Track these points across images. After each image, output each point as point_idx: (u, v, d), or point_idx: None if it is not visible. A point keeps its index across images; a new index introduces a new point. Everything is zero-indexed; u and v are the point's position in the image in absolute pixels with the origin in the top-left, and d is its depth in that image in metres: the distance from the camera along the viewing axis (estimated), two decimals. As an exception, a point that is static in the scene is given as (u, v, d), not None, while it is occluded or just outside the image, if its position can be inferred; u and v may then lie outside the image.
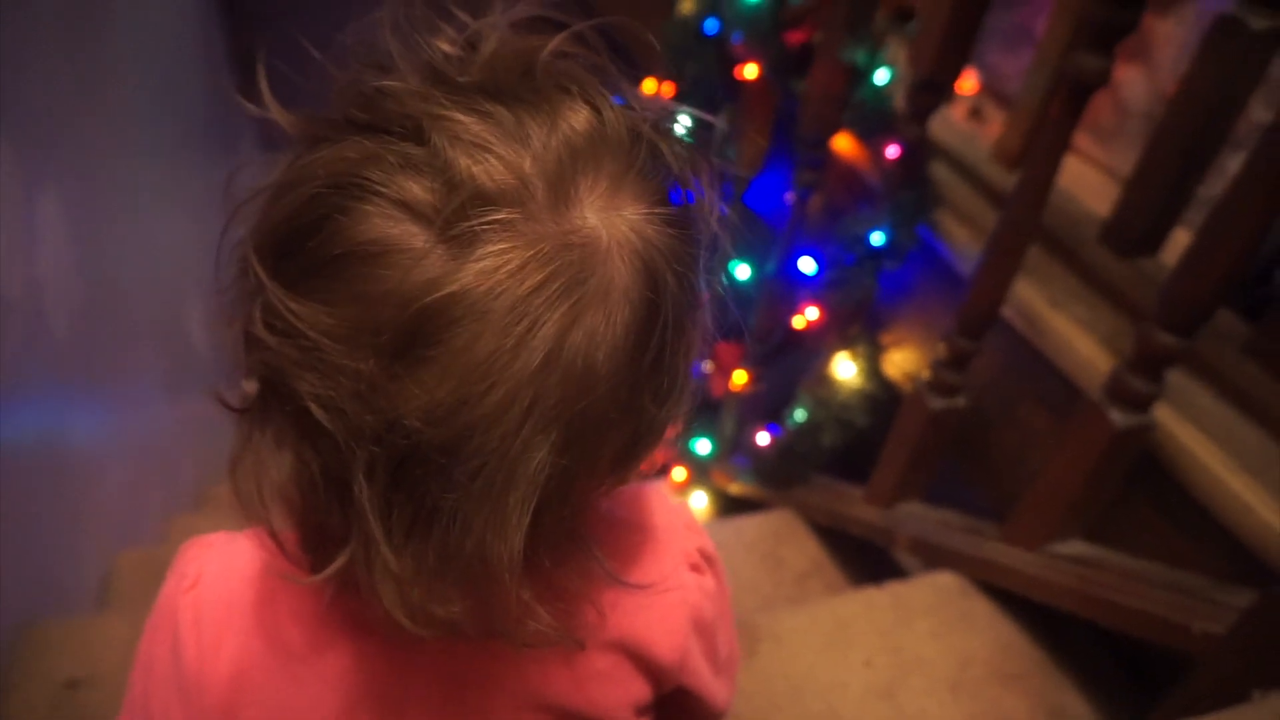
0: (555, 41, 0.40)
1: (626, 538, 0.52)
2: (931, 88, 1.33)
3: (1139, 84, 1.54)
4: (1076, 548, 1.14)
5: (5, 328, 1.15)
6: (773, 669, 1.13)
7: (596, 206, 0.37)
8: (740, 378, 1.78)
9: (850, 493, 1.55)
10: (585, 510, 0.42)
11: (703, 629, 0.54)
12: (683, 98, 1.85)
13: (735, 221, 0.44)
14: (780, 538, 1.63)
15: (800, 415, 1.61)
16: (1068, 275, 1.28)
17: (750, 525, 1.66)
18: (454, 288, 0.34)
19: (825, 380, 1.59)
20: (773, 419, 1.70)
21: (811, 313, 1.58)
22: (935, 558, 1.32)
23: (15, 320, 1.18)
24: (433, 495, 0.37)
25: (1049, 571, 1.13)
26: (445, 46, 0.40)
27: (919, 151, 1.41)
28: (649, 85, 1.92)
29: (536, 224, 0.36)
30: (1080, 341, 1.19)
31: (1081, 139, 1.60)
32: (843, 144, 1.57)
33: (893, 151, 1.42)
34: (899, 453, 1.39)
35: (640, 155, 0.39)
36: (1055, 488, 1.12)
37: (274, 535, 0.43)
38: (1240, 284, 1.05)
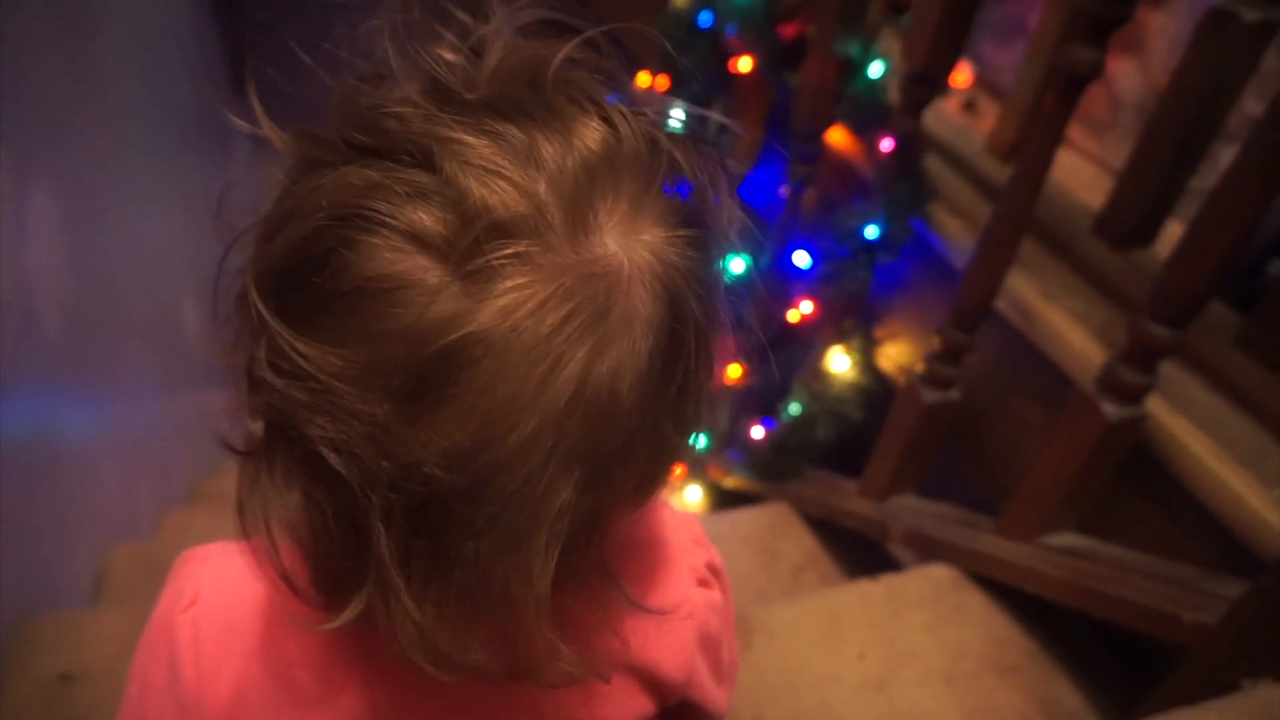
0: (566, 50, 0.38)
1: (641, 558, 0.51)
2: (925, 81, 1.33)
3: (1132, 76, 1.54)
4: (1069, 540, 1.15)
5: (-3, 323, 1.15)
6: (766, 662, 1.13)
7: (617, 232, 0.36)
8: (734, 371, 1.78)
9: (845, 486, 1.55)
10: (607, 540, 0.40)
11: (708, 644, 0.53)
12: (676, 91, 1.85)
13: (751, 226, 0.42)
14: (775, 531, 1.63)
15: (795, 409, 1.61)
16: (1061, 268, 1.28)
17: (745, 518, 1.66)
18: (473, 327, 0.33)
19: (820, 374, 1.59)
20: (768, 413, 1.70)
21: (806, 306, 1.59)
22: (929, 550, 1.33)
23: (8, 317, 1.18)
24: (454, 541, 0.35)
25: (1042, 563, 1.13)
26: (448, 55, 0.37)
27: (913, 145, 1.41)
28: (643, 79, 1.92)
29: (556, 255, 0.34)
30: (1073, 334, 1.19)
31: (1075, 132, 1.60)
32: (836, 137, 1.57)
33: (887, 145, 1.42)
34: (893, 446, 1.40)
35: (659, 170, 0.37)
36: (1048, 480, 1.13)
37: (286, 578, 0.40)
38: (1232, 276, 1.05)
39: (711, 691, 0.55)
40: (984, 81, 1.79)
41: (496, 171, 0.34)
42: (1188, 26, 1.12)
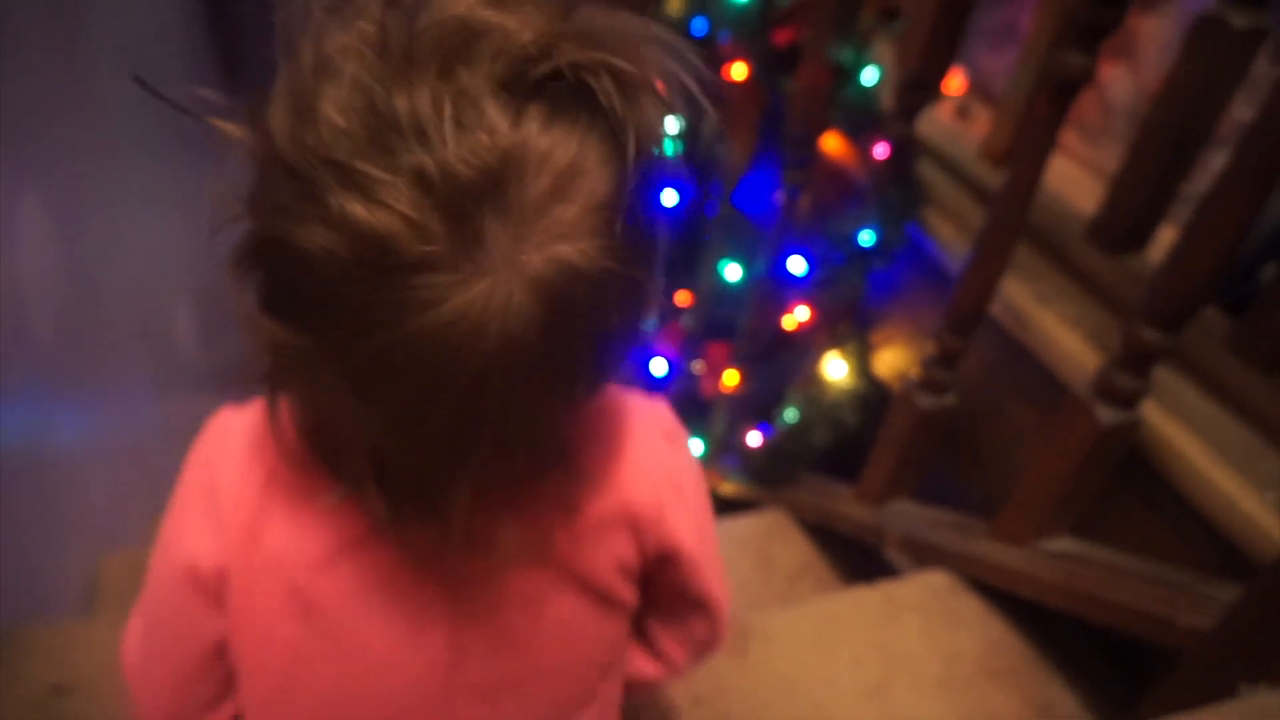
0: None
1: (613, 420, 0.58)
2: (919, 86, 1.34)
3: (1124, 82, 1.55)
4: (1064, 544, 1.15)
5: (-12, 329, 1.14)
6: (763, 667, 1.13)
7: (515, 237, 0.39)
8: (731, 378, 1.78)
9: (841, 491, 1.55)
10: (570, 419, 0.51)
11: (679, 489, 0.59)
12: (670, 97, 1.85)
13: (704, 91, 0.44)
14: (771, 537, 1.63)
15: (791, 415, 1.61)
16: (1055, 273, 1.29)
17: (742, 525, 1.66)
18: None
19: (815, 379, 1.59)
20: (764, 419, 1.70)
21: (801, 312, 1.59)
22: (925, 555, 1.33)
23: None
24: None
25: (1037, 568, 1.13)
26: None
27: (907, 150, 1.42)
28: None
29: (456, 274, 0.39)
30: (1067, 339, 1.20)
31: (1068, 137, 1.61)
32: (830, 143, 1.58)
33: (880, 150, 1.42)
34: (889, 451, 1.40)
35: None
36: (1043, 484, 1.13)
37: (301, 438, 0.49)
38: (1225, 281, 1.06)
39: (693, 547, 0.60)
40: (977, 87, 1.80)
41: (384, 204, 0.37)
42: (1178, 32, 1.13)
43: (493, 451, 0.44)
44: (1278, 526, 0.93)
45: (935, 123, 1.56)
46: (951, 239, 1.40)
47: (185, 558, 0.54)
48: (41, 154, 1.39)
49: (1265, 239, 1.28)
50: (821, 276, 1.52)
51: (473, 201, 0.38)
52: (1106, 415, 1.02)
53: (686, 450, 0.63)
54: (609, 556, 0.56)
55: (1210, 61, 1.08)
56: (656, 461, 0.58)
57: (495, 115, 0.38)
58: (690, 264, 1.85)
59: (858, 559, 1.57)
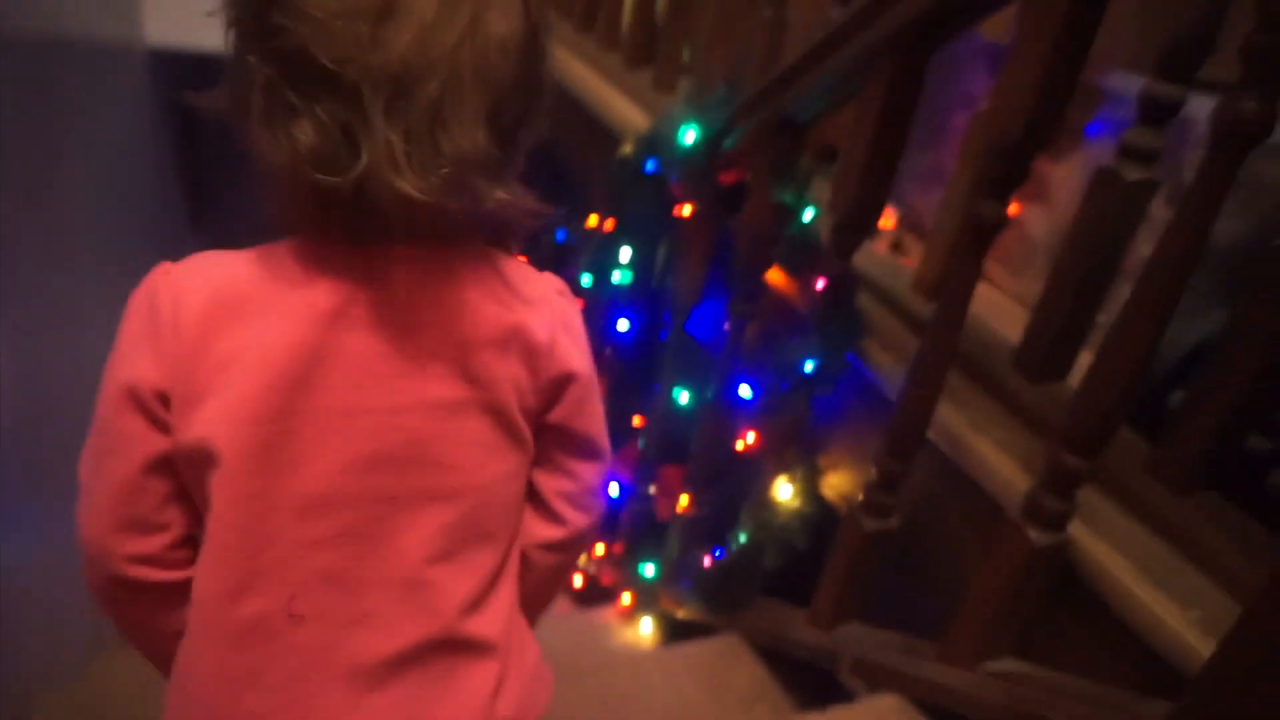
0: None
1: (517, 267, 0.69)
2: (853, 227, 1.43)
3: (1041, 221, 1.67)
4: (1008, 664, 1.17)
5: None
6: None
7: None
8: (684, 501, 1.81)
9: (794, 615, 1.56)
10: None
11: (569, 329, 0.70)
12: (625, 230, 1.95)
13: None
14: (726, 662, 1.62)
15: (742, 537, 1.63)
16: (985, 399, 1.35)
17: (696, 650, 1.65)
18: None
19: (766, 502, 1.62)
20: (717, 542, 1.72)
21: (749, 437, 1.63)
22: (877, 679, 1.33)
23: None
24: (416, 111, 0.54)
25: (981, 689, 1.15)
26: None
27: (845, 284, 1.50)
28: (593, 219, 2.02)
29: None
30: (1000, 463, 1.25)
31: (994, 269, 1.71)
32: (775, 277, 1.66)
33: (820, 284, 1.50)
34: (838, 573, 1.42)
35: None
36: (984, 604, 1.16)
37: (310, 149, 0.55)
38: (1139, 404, 1.12)
39: (584, 370, 0.70)
40: (909, 222, 1.92)
41: None
42: (1085, 177, 1.23)
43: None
44: (1202, 644, 0.96)
45: (872, 256, 1.66)
46: (890, 367, 1.47)
47: (126, 380, 0.61)
48: (3, 281, 1.41)
49: (1175, 365, 1.36)
50: (768, 403, 1.58)
51: None
52: (1037, 536, 1.07)
53: (577, 310, 0.72)
54: (507, 374, 0.65)
55: (1109, 208, 1.18)
56: (550, 304, 0.68)
57: None
58: (645, 388, 1.91)
59: (814, 684, 1.56)
